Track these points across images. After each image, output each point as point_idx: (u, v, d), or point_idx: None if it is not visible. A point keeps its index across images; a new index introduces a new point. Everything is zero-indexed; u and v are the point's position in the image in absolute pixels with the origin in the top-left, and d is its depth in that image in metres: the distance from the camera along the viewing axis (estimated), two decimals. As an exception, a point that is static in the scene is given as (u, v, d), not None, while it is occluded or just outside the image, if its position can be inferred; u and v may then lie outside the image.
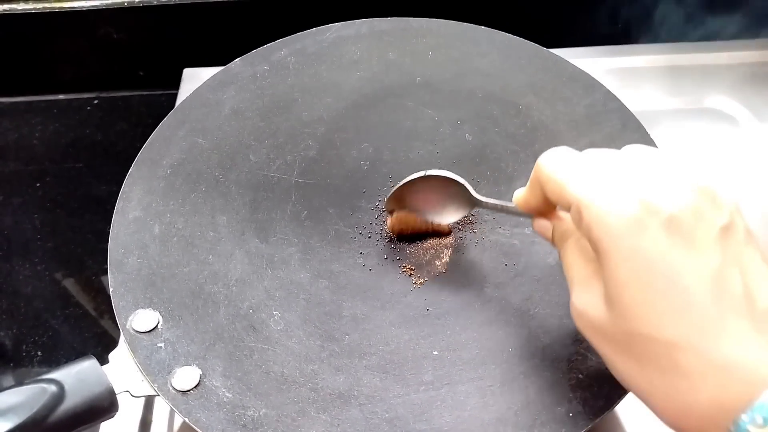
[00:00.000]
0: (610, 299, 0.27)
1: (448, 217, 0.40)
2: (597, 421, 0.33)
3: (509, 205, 0.35)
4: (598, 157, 0.30)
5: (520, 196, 0.34)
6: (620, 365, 0.28)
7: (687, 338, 0.25)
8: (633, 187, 0.27)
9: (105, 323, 0.57)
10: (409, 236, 0.41)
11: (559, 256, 0.32)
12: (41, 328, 0.56)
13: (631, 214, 0.26)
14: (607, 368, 0.34)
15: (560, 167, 0.30)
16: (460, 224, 0.42)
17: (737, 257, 0.26)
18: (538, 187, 0.31)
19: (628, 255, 0.26)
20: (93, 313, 0.57)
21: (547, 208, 0.33)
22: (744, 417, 0.24)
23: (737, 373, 0.25)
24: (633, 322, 0.26)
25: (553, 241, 0.33)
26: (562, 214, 0.33)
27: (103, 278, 0.58)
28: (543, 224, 0.34)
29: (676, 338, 0.26)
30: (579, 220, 0.28)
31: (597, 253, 0.28)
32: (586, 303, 0.29)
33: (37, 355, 0.55)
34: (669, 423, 0.27)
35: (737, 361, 0.25)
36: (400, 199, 0.40)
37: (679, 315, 0.26)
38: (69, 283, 0.59)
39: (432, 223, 0.41)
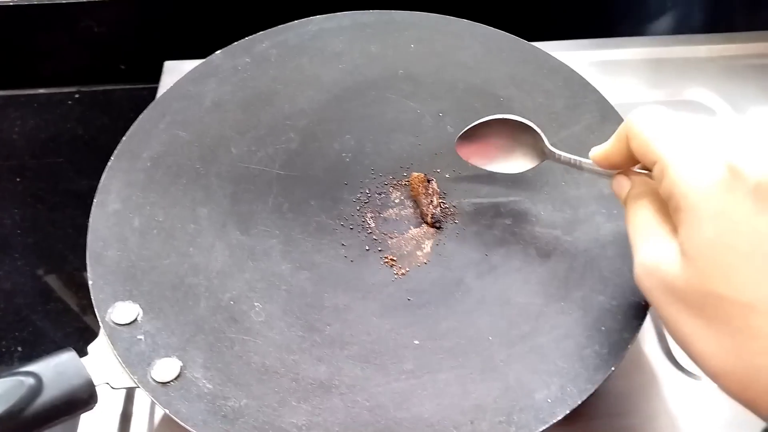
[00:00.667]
0: (688, 257, 0.27)
1: (517, 165, 0.40)
2: (574, 407, 0.33)
3: (584, 160, 0.35)
4: (689, 120, 0.30)
5: (599, 150, 0.34)
6: (687, 326, 0.28)
7: (765, 302, 0.25)
8: (721, 152, 0.27)
9: (86, 318, 0.56)
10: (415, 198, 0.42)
11: (627, 216, 0.32)
12: (21, 323, 0.56)
13: (719, 176, 0.27)
14: (585, 355, 0.35)
15: (651, 124, 0.30)
16: (442, 215, 0.42)
17: None
18: (625, 140, 0.32)
19: (713, 215, 0.26)
20: (74, 308, 0.57)
21: (625, 164, 0.33)
22: None
23: None
24: (710, 281, 0.26)
25: (625, 201, 0.33)
26: (636, 175, 0.34)
27: (84, 273, 0.58)
28: (622, 181, 0.34)
29: (754, 301, 0.25)
30: (662, 178, 0.29)
31: (677, 212, 0.28)
32: (659, 260, 0.29)
33: (17, 351, 0.54)
34: (729, 387, 0.27)
35: None
36: (472, 140, 0.40)
37: (760, 278, 0.26)
38: (50, 278, 0.58)
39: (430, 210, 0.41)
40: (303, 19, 0.52)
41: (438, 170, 0.44)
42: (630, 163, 0.33)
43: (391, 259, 0.40)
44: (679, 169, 0.28)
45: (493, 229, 0.41)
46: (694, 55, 0.61)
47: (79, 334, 0.55)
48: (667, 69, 0.60)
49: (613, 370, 0.35)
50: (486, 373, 0.35)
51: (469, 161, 0.42)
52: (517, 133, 0.39)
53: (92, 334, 0.53)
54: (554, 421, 0.33)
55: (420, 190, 0.42)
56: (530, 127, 0.38)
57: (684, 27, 0.65)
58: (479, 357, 0.36)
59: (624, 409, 0.40)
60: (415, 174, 0.42)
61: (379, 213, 0.42)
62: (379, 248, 0.41)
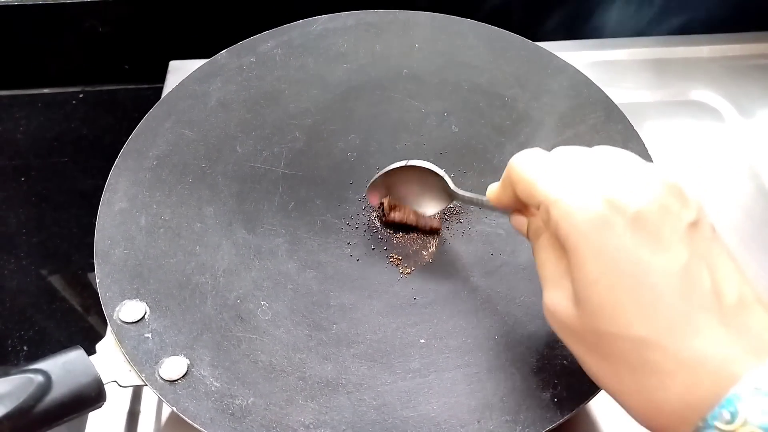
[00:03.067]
0: (578, 298, 0.27)
1: (427, 208, 0.41)
2: (581, 406, 0.33)
3: (484, 199, 0.36)
4: (567, 156, 0.30)
5: (492, 193, 0.34)
6: (591, 364, 0.28)
7: (655, 336, 0.25)
8: (599, 185, 0.27)
9: (91, 318, 0.56)
10: (398, 224, 0.41)
11: (533, 253, 0.32)
12: (27, 323, 0.56)
13: (597, 211, 0.26)
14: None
15: (530, 166, 0.30)
16: (447, 215, 0.42)
17: (705, 253, 0.26)
18: (510, 185, 0.32)
19: (595, 253, 0.26)
20: (79, 308, 0.57)
21: (518, 205, 0.33)
22: (711, 414, 0.24)
23: (705, 370, 0.25)
24: (601, 321, 0.26)
25: (528, 237, 0.33)
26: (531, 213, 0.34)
27: (89, 273, 0.58)
28: (519, 220, 0.34)
29: (645, 336, 0.25)
30: (547, 218, 0.28)
31: (565, 251, 0.28)
32: (557, 302, 0.29)
33: (23, 350, 0.55)
34: (640, 421, 0.27)
35: (705, 357, 0.25)
36: (381, 187, 0.41)
37: (647, 312, 0.25)
38: (55, 278, 0.58)
39: (425, 218, 0.41)
40: (308, 19, 0.52)
41: (443, 169, 0.44)
42: (520, 205, 0.33)
43: (396, 259, 0.40)
44: (560, 210, 0.27)
45: (498, 228, 0.41)
46: (697, 55, 0.62)
47: (84, 333, 0.56)
48: (671, 69, 0.60)
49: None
50: (492, 372, 0.35)
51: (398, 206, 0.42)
52: (424, 177, 0.39)
53: (97, 334, 0.53)
54: (561, 420, 0.33)
55: (401, 216, 0.41)
56: (435, 172, 0.38)
57: (688, 27, 0.64)
58: (486, 356, 0.36)
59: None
60: (385, 205, 0.41)
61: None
62: (385, 247, 0.41)
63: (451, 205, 0.42)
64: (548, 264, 0.30)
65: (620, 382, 0.27)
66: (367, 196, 0.42)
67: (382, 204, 0.41)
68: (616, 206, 0.26)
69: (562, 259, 0.29)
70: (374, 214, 0.42)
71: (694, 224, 0.27)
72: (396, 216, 0.41)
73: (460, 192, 0.38)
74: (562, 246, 0.28)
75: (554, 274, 0.29)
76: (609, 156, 0.29)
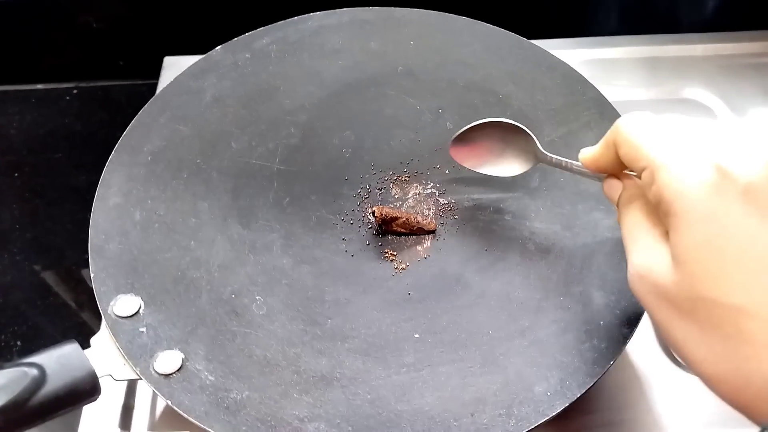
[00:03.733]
0: (678, 261, 0.27)
1: (510, 169, 0.40)
2: (574, 400, 0.34)
3: (575, 163, 0.35)
4: (676, 122, 0.29)
5: (588, 154, 0.34)
6: (679, 330, 0.27)
7: (755, 306, 0.25)
8: (710, 153, 0.27)
9: (85, 313, 0.56)
10: (392, 225, 0.41)
11: (620, 219, 0.32)
12: (20, 318, 0.56)
13: (708, 179, 0.26)
14: (583, 349, 0.35)
15: (639, 129, 0.30)
16: (441, 211, 0.42)
17: None
18: (612, 146, 0.31)
19: (702, 218, 0.26)
20: (73, 303, 0.57)
21: (615, 168, 0.33)
22: None
23: None
24: (701, 285, 0.26)
25: (618, 203, 0.33)
26: (627, 178, 0.33)
27: (83, 268, 0.58)
28: (614, 184, 0.33)
29: (745, 304, 0.25)
30: (651, 182, 0.28)
31: (667, 216, 0.28)
32: (651, 264, 0.28)
33: (17, 345, 0.55)
34: (723, 393, 0.27)
35: None
36: (462, 143, 0.40)
37: (750, 282, 0.25)
38: (48, 273, 0.58)
39: (417, 218, 0.41)
40: (303, 15, 0.53)
41: (437, 166, 0.44)
42: (619, 167, 0.33)
43: (391, 254, 0.40)
44: (667, 174, 0.27)
45: (492, 224, 0.41)
46: (690, 53, 0.62)
47: (78, 328, 0.56)
48: (664, 67, 0.61)
49: (611, 364, 0.35)
50: (486, 366, 0.35)
51: (463, 164, 0.42)
52: (509, 136, 0.39)
53: (91, 329, 0.53)
54: (554, 413, 0.33)
55: (399, 223, 0.41)
56: (523, 130, 0.38)
57: (681, 25, 0.65)
58: (479, 351, 0.36)
59: (621, 403, 0.40)
60: (377, 214, 0.41)
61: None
62: (380, 243, 0.41)
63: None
64: (642, 228, 0.29)
65: (709, 350, 0.26)
66: (450, 152, 0.41)
67: (374, 212, 0.41)
68: (728, 175, 0.26)
69: (657, 225, 0.29)
70: (369, 227, 0.41)
71: None
72: (390, 216, 0.41)
73: (549, 154, 0.37)
74: (660, 212, 0.28)
75: (649, 238, 0.29)
76: (723, 127, 0.29)
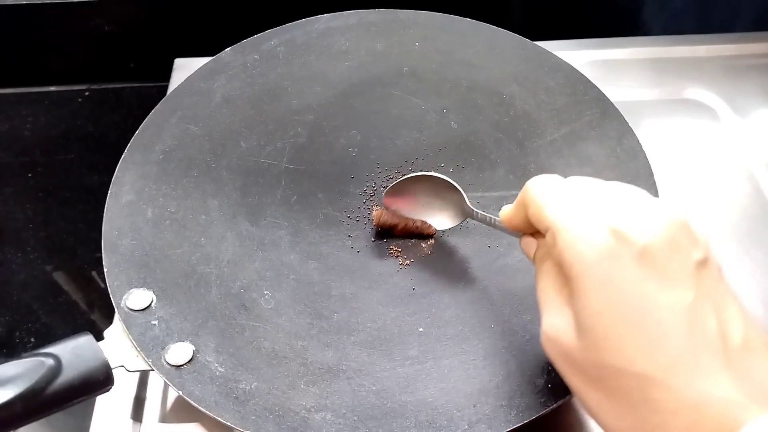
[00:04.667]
0: (581, 328, 0.27)
1: (441, 222, 0.41)
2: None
3: (498, 220, 0.36)
4: (580, 185, 0.30)
5: (504, 213, 0.34)
6: (590, 398, 0.27)
7: (659, 373, 0.25)
8: (608, 216, 0.27)
9: (97, 310, 0.57)
10: (391, 231, 0.42)
11: (535, 278, 0.32)
12: (34, 315, 0.57)
13: (604, 241, 0.26)
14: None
15: (543, 191, 0.30)
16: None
17: (711, 293, 0.26)
18: (523, 207, 0.32)
19: (600, 284, 0.26)
20: (85, 301, 0.58)
21: (529, 229, 0.33)
22: None
23: (708, 413, 0.24)
24: (604, 354, 0.26)
25: (533, 261, 0.33)
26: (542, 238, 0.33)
27: (94, 267, 0.59)
28: (529, 243, 0.33)
29: (649, 372, 0.25)
30: (553, 244, 0.28)
31: (568, 280, 0.27)
32: (558, 330, 0.28)
33: (30, 342, 0.56)
34: None
35: (709, 400, 0.24)
36: (397, 194, 0.41)
37: (652, 348, 0.25)
38: (61, 272, 0.59)
39: (417, 224, 0.42)
40: (310, 18, 0.54)
41: (442, 165, 0.45)
42: (532, 229, 0.33)
43: (396, 251, 0.41)
44: (566, 236, 0.27)
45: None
46: (693, 54, 0.63)
47: (90, 325, 0.57)
48: (667, 68, 0.61)
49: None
50: (488, 359, 0.36)
51: (398, 212, 0.42)
52: (442, 191, 0.40)
53: (103, 326, 0.54)
54: (554, 405, 0.34)
55: (398, 229, 0.42)
56: (454, 186, 0.39)
57: (684, 27, 0.66)
58: (482, 344, 0.37)
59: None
60: (376, 222, 0.41)
61: (385, 206, 0.43)
62: (385, 240, 0.42)
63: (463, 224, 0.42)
64: (550, 290, 0.29)
65: (620, 418, 0.26)
66: (384, 201, 0.42)
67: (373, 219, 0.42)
68: (624, 238, 0.26)
69: (564, 287, 0.28)
70: (371, 228, 0.42)
71: (702, 263, 0.26)
72: (388, 224, 0.41)
73: (476, 210, 0.38)
74: (563, 274, 0.28)
75: (556, 302, 0.29)
76: (622, 190, 0.29)
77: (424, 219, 0.42)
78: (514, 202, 0.33)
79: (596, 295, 0.26)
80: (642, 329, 0.25)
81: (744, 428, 0.23)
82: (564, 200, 0.29)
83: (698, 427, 0.24)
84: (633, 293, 0.25)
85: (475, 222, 0.42)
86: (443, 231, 0.42)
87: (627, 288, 0.26)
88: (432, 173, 0.40)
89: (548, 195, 0.30)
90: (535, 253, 0.33)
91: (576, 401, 0.28)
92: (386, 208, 0.42)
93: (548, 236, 0.29)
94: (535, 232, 0.33)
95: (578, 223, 0.27)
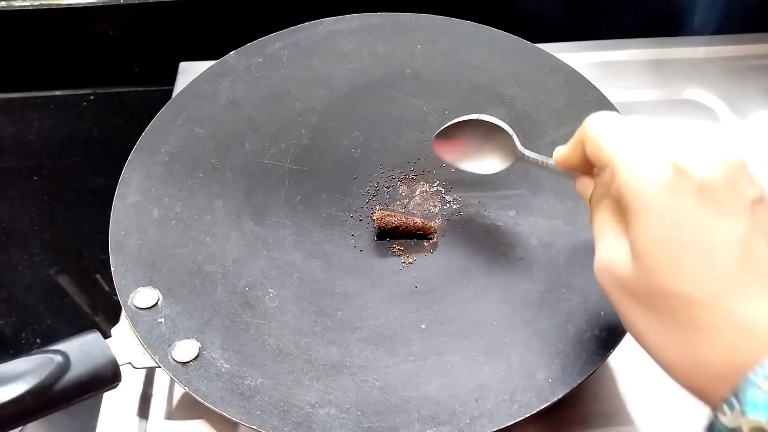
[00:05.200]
0: (636, 255, 0.28)
1: (490, 166, 0.41)
2: (575, 386, 0.35)
3: (551, 162, 0.36)
4: (640, 123, 0.30)
5: (560, 153, 0.35)
6: (638, 320, 0.29)
7: (708, 295, 0.26)
8: (669, 152, 0.28)
9: (101, 312, 0.58)
10: (392, 232, 0.42)
11: (591, 217, 0.33)
12: (39, 317, 0.57)
13: (664, 176, 0.27)
14: (584, 338, 0.36)
15: (603, 128, 0.31)
16: (446, 210, 0.43)
17: (765, 229, 0.27)
18: (580, 145, 0.33)
19: (658, 213, 0.27)
20: (90, 302, 0.59)
21: (584, 167, 0.34)
22: (753, 372, 0.24)
23: (753, 333, 0.25)
24: (657, 277, 0.27)
25: (589, 201, 0.34)
26: (598, 177, 0.34)
27: (99, 268, 0.59)
28: (585, 183, 0.34)
29: (698, 294, 0.26)
30: (612, 180, 0.29)
31: (627, 212, 0.29)
32: (612, 257, 0.29)
33: (36, 343, 0.56)
34: (679, 379, 0.28)
35: (755, 321, 0.25)
36: (447, 138, 0.41)
37: (703, 273, 0.26)
38: (66, 274, 0.60)
39: (418, 224, 0.42)
40: (313, 21, 0.54)
41: (443, 165, 0.46)
42: (588, 166, 0.34)
43: (398, 249, 0.42)
44: (627, 171, 0.28)
45: (496, 220, 0.43)
46: (693, 56, 0.63)
47: (95, 326, 0.57)
48: (666, 69, 0.62)
49: (611, 353, 0.36)
50: (490, 355, 0.37)
51: (444, 159, 0.42)
52: (491, 134, 0.40)
53: (108, 326, 0.55)
54: (555, 399, 0.35)
55: (399, 230, 0.42)
56: (503, 129, 0.39)
57: (684, 28, 0.66)
58: (483, 340, 0.37)
59: (621, 392, 0.41)
60: (377, 224, 0.42)
61: (387, 205, 0.44)
62: (387, 239, 0.42)
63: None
64: (607, 224, 0.31)
65: (666, 337, 0.28)
66: (433, 147, 0.42)
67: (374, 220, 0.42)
68: (684, 173, 0.27)
69: (621, 222, 0.30)
70: (374, 227, 0.42)
71: (758, 201, 0.28)
72: (390, 226, 0.42)
73: (527, 152, 0.38)
74: (622, 210, 0.29)
75: (612, 233, 0.30)
76: (682, 127, 0.30)
77: (474, 163, 0.41)
78: (570, 141, 0.34)
79: (654, 224, 0.27)
80: (695, 255, 0.27)
81: None
82: (624, 137, 0.30)
83: (742, 345, 0.26)
84: (689, 223, 0.27)
85: (477, 221, 0.43)
86: (443, 232, 0.42)
87: (684, 218, 0.27)
88: (481, 116, 0.39)
89: (608, 132, 0.31)
90: (591, 194, 0.33)
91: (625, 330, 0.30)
92: (436, 153, 0.42)
93: (607, 172, 0.30)
94: (590, 171, 0.34)
95: (639, 158, 0.28)
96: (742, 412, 0.24)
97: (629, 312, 0.29)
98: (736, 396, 0.24)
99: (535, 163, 0.38)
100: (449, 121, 0.40)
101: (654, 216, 0.27)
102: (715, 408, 0.26)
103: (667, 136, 0.29)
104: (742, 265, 0.26)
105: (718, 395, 0.25)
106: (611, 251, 0.30)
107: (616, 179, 0.29)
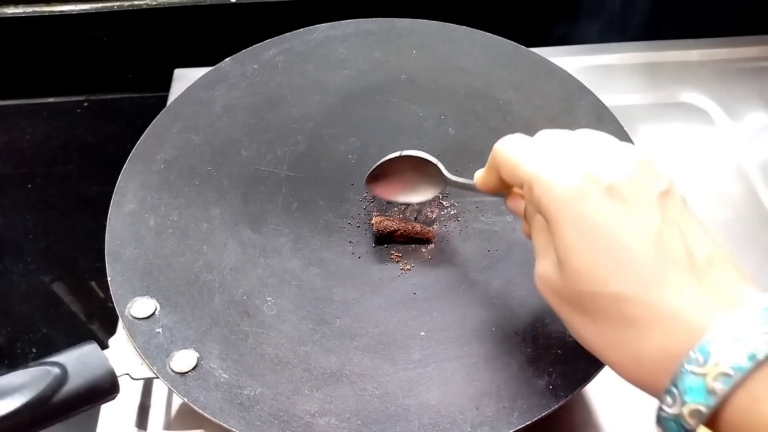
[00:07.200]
0: (561, 262, 0.29)
1: (423, 194, 0.42)
2: (575, 393, 0.35)
3: (474, 184, 0.37)
4: (547, 138, 0.32)
5: (478, 178, 0.37)
6: (576, 323, 0.30)
7: (632, 291, 0.27)
8: (577, 161, 0.29)
9: (97, 320, 0.58)
10: (391, 237, 0.42)
11: (526, 231, 0.35)
12: (35, 326, 0.57)
13: (574, 183, 0.29)
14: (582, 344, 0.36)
15: (514, 150, 0.32)
16: (444, 216, 0.43)
17: (676, 218, 0.28)
18: (495, 169, 0.34)
19: (573, 220, 0.28)
20: (85, 311, 0.58)
21: (503, 188, 0.35)
22: (686, 360, 0.25)
23: (680, 321, 0.26)
24: (581, 281, 0.28)
25: (524, 218, 0.35)
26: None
27: (95, 277, 0.59)
28: (515, 202, 0.36)
29: (622, 291, 0.27)
30: (530, 195, 0.31)
31: (548, 222, 0.30)
32: (544, 269, 0.31)
33: (32, 352, 0.56)
34: (623, 374, 0.29)
35: (680, 309, 0.26)
36: (377, 179, 0.42)
37: (623, 270, 0.27)
38: (62, 282, 0.59)
39: (416, 228, 0.42)
40: (308, 27, 0.54)
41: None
42: (505, 188, 0.35)
43: (396, 256, 0.42)
44: (540, 184, 0.30)
45: (494, 226, 0.43)
46: (687, 59, 0.64)
47: (90, 336, 0.57)
48: (661, 73, 0.62)
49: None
50: (490, 362, 0.36)
51: (381, 197, 0.43)
52: (418, 166, 0.41)
53: (104, 336, 0.54)
54: (556, 406, 0.34)
55: (397, 234, 0.42)
56: (429, 160, 0.40)
57: (677, 31, 0.66)
58: (483, 347, 0.37)
59: (623, 399, 0.41)
60: (375, 228, 0.42)
61: (385, 212, 0.44)
62: (385, 245, 0.42)
63: (445, 192, 0.44)
64: (539, 237, 0.32)
65: (603, 337, 0.29)
66: (366, 188, 0.42)
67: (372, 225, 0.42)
68: (592, 178, 0.28)
69: (549, 233, 0.31)
70: (372, 234, 0.43)
71: (665, 193, 0.29)
72: (388, 230, 0.42)
73: (452, 177, 0.40)
74: (544, 217, 0.30)
75: (543, 246, 0.31)
76: (587, 136, 0.31)
77: (406, 197, 0.42)
78: (486, 166, 0.35)
79: (570, 230, 0.29)
80: (612, 254, 0.28)
81: (712, 327, 0.25)
82: (533, 153, 0.31)
83: (672, 335, 0.26)
84: (602, 224, 0.28)
85: (475, 227, 0.43)
86: (441, 238, 0.42)
87: (597, 220, 0.28)
88: (404, 152, 0.40)
89: (517, 152, 0.32)
90: (524, 210, 0.34)
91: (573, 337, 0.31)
92: (373, 195, 0.43)
93: (525, 188, 0.31)
94: (509, 191, 0.36)
95: (550, 170, 0.30)
96: (682, 400, 0.25)
97: (568, 317, 0.30)
98: (675, 385, 0.26)
99: (462, 186, 0.39)
100: (410, 151, 0.41)
101: (569, 223, 0.29)
102: (660, 399, 0.27)
103: (574, 146, 0.31)
104: (659, 256, 0.27)
105: (661, 386, 0.26)
106: (544, 263, 0.31)
107: (532, 195, 0.30)
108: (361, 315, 0.39)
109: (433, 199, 0.44)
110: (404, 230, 0.42)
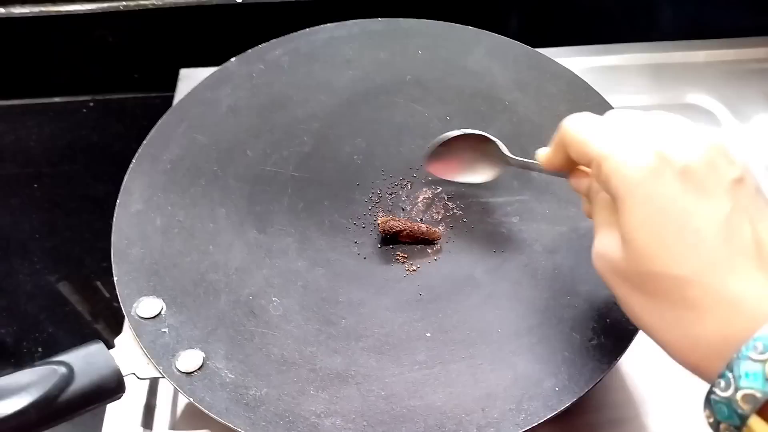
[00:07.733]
0: (625, 240, 0.29)
1: (481, 175, 0.42)
2: (582, 395, 0.35)
3: (537, 164, 0.37)
4: (618, 117, 0.32)
5: (543, 156, 0.36)
6: (634, 302, 0.30)
7: (696, 274, 0.27)
8: (650, 141, 0.29)
9: (103, 320, 0.58)
10: (396, 237, 0.42)
11: (589, 211, 0.34)
12: (41, 325, 0.57)
13: (647, 163, 0.28)
14: (591, 346, 0.36)
15: (583, 127, 0.32)
16: (450, 216, 0.43)
17: (747, 207, 0.28)
18: (562, 147, 0.34)
19: (643, 200, 0.28)
20: (91, 310, 0.58)
21: (569, 167, 0.35)
22: (745, 346, 0.25)
23: (742, 308, 0.26)
24: (646, 261, 0.28)
25: (587, 197, 0.35)
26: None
27: (101, 276, 0.59)
28: (580, 179, 0.35)
29: (686, 274, 0.27)
30: (598, 173, 0.30)
31: (615, 202, 0.30)
32: (606, 246, 0.31)
33: (38, 352, 0.56)
34: (677, 356, 0.29)
35: (743, 296, 0.26)
36: (437, 157, 0.42)
37: (690, 253, 0.27)
38: (67, 281, 0.60)
39: (422, 229, 0.42)
40: (314, 27, 0.54)
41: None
42: (572, 165, 0.35)
43: (402, 257, 0.42)
44: (611, 162, 0.29)
45: (500, 227, 0.43)
46: (693, 60, 0.63)
47: (97, 335, 0.57)
48: (668, 74, 0.62)
49: (618, 360, 0.36)
50: (496, 363, 0.36)
51: (440, 177, 0.44)
52: (479, 146, 0.41)
53: (111, 335, 0.54)
54: (562, 408, 0.34)
55: (403, 234, 0.42)
56: (489, 138, 0.40)
57: (684, 32, 0.66)
58: (489, 348, 0.37)
59: (629, 400, 0.41)
60: (381, 228, 0.42)
61: (390, 212, 0.44)
62: (391, 246, 0.42)
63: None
64: (601, 215, 0.32)
65: (660, 318, 0.29)
66: (425, 167, 0.43)
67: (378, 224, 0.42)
68: (666, 159, 0.28)
69: (613, 212, 0.31)
70: (377, 234, 0.42)
71: (738, 180, 0.28)
72: (394, 231, 0.42)
73: (514, 157, 0.39)
74: (611, 197, 0.30)
75: (605, 223, 0.31)
76: (660, 117, 0.31)
77: (467, 175, 0.42)
78: (551, 144, 0.35)
79: (639, 210, 0.28)
80: (680, 237, 0.28)
81: None
82: (604, 131, 0.31)
83: (733, 321, 0.27)
84: (673, 206, 0.28)
85: (481, 228, 0.43)
86: (447, 238, 0.42)
87: (668, 201, 0.28)
88: (466, 130, 0.40)
89: (588, 130, 0.32)
90: (589, 189, 0.34)
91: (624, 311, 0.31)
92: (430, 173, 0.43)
93: (594, 166, 0.31)
94: (571, 171, 0.35)
95: (621, 148, 0.29)
96: (737, 385, 0.25)
97: (625, 295, 0.30)
98: (731, 370, 0.25)
99: (524, 165, 0.39)
100: (440, 136, 0.41)
101: (639, 202, 0.28)
102: (711, 383, 0.27)
103: (646, 125, 0.30)
104: (727, 243, 0.27)
105: (714, 370, 0.26)
106: (605, 240, 0.31)
107: (602, 172, 0.30)
108: (366, 316, 0.39)
109: (439, 200, 0.44)
110: (410, 230, 0.42)
